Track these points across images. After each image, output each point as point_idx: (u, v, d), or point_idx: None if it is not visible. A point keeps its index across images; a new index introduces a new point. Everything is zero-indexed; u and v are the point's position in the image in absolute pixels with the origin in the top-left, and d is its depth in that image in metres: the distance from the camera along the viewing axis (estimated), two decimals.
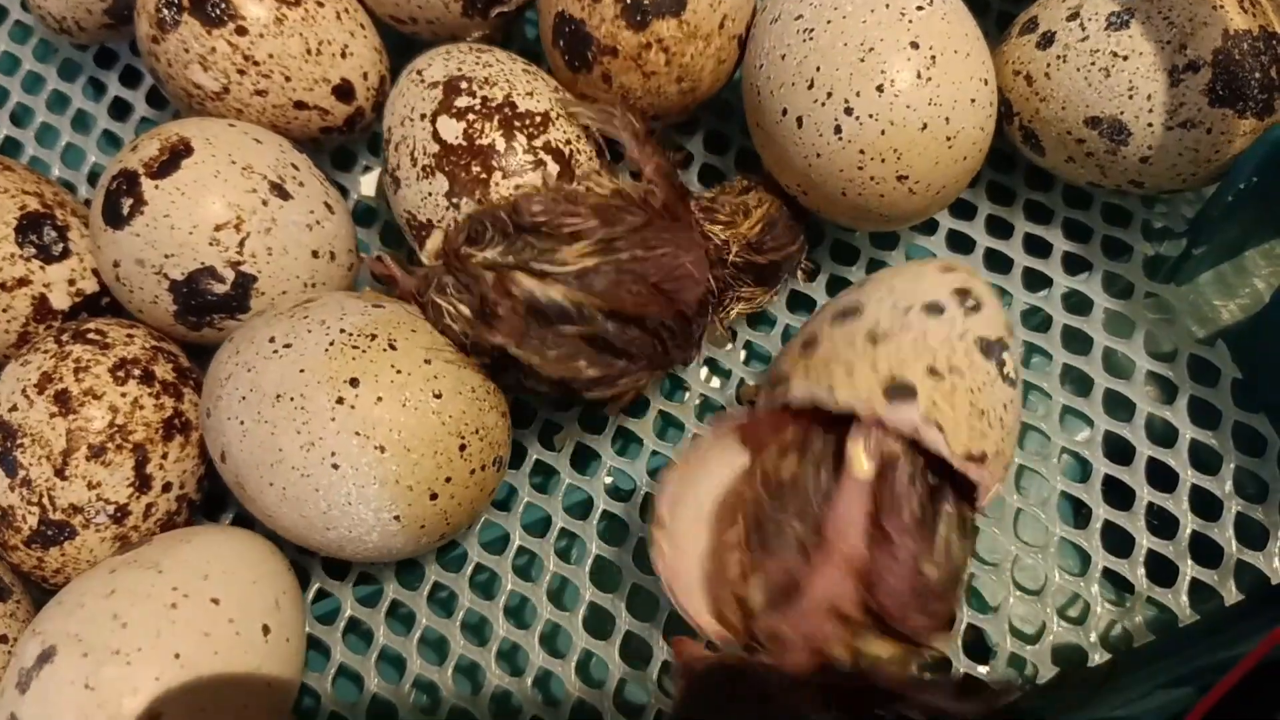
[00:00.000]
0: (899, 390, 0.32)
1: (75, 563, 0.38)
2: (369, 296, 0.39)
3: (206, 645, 0.34)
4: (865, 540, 0.32)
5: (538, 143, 0.40)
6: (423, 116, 0.41)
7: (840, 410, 0.33)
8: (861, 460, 0.33)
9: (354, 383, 0.35)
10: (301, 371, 0.35)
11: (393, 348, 0.36)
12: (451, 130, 0.40)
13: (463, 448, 0.36)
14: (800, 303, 0.46)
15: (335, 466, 0.35)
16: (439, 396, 0.36)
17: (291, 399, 0.35)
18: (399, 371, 0.36)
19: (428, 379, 0.36)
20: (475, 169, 0.40)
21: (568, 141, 0.41)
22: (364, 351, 0.36)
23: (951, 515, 0.33)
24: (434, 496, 0.36)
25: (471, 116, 0.40)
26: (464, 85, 0.41)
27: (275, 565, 0.38)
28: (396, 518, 0.36)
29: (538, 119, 0.41)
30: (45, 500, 0.38)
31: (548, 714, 0.40)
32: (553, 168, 0.40)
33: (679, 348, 0.39)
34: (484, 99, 0.41)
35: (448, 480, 0.36)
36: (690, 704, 0.33)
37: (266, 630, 0.36)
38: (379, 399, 0.35)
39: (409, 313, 0.38)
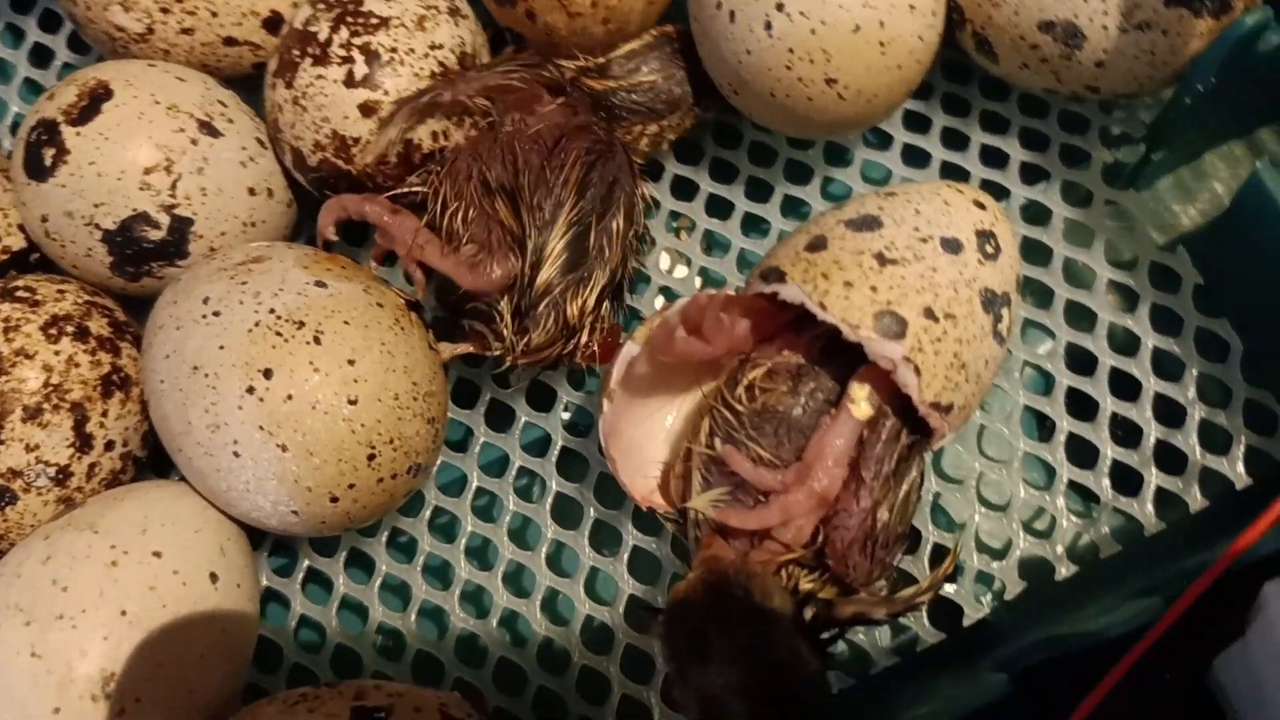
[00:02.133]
0: (891, 324, 0.31)
1: (19, 528, 0.37)
2: (317, 266, 0.37)
3: (153, 599, 0.33)
4: (840, 475, 0.32)
5: (358, 41, 0.39)
6: (295, 5, 0.42)
7: (825, 320, 0.32)
8: (862, 403, 0.32)
9: (268, 374, 0.34)
10: (221, 348, 0.34)
11: (317, 341, 0.34)
12: (300, 16, 0.40)
13: (371, 457, 0.35)
14: (754, 225, 0.45)
15: (236, 455, 0.34)
16: (354, 403, 0.34)
17: (206, 375, 0.34)
18: (316, 370, 0.34)
19: (345, 382, 0.34)
20: (294, 52, 0.39)
21: (393, 47, 0.39)
22: (286, 340, 0.34)
23: (918, 474, 0.33)
24: (334, 499, 0.35)
25: (320, 6, 0.40)
26: None
27: (217, 513, 0.37)
28: (295, 513, 0.35)
29: (374, 21, 0.39)
30: None
31: (515, 654, 0.39)
32: (360, 67, 0.39)
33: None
34: None
35: (350, 486, 0.35)
36: (675, 628, 0.32)
37: (214, 578, 0.35)
38: (289, 396, 0.34)
39: (351, 296, 0.36)
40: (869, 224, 0.34)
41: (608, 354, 0.38)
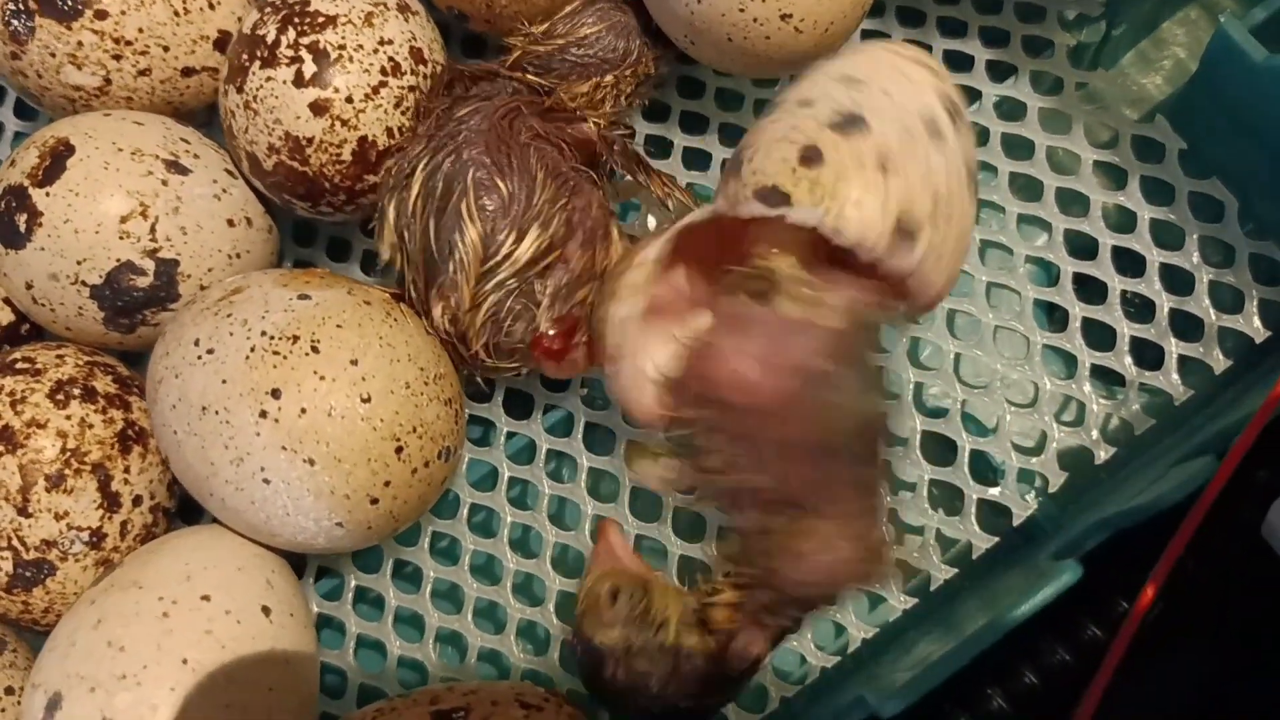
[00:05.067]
0: (906, 232, 0.29)
1: (62, 598, 0.37)
2: (295, 282, 0.37)
3: (211, 643, 0.33)
4: None
5: (305, 40, 0.38)
6: (240, 20, 0.42)
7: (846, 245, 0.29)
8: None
9: (275, 394, 0.33)
10: (224, 382, 0.34)
11: (315, 350, 0.34)
12: (248, 22, 0.40)
13: (399, 450, 0.35)
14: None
15: (267, 481, 0.34)
16: (367, 400, 0.34)
17: (216, 412, 0.34)
18: (322, 378, 0.34)
19: (354, 382, 0.34)
20: (244, 57, 0.39)
21: (341, 45, 0.38)
22: (285, 358, 0.34)
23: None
24: (375, 501, 0.35)
25: (268, 10, 0.39)
26: None
27: (256, 548, 0.36)
28: (339, 524, 0.35)
29: (321, 20, 0.38)
30: (15, 543, 0.36)
31: None
32: (309, 66, 0.38)
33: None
34: None
35: (387, 484, 0.35)
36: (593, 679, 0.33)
37: (267, 611, 0.35)
38: (302, 410, 0.33)
39: (337, 301, 0.36)
40: (854, 122, 0.30)
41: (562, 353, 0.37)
